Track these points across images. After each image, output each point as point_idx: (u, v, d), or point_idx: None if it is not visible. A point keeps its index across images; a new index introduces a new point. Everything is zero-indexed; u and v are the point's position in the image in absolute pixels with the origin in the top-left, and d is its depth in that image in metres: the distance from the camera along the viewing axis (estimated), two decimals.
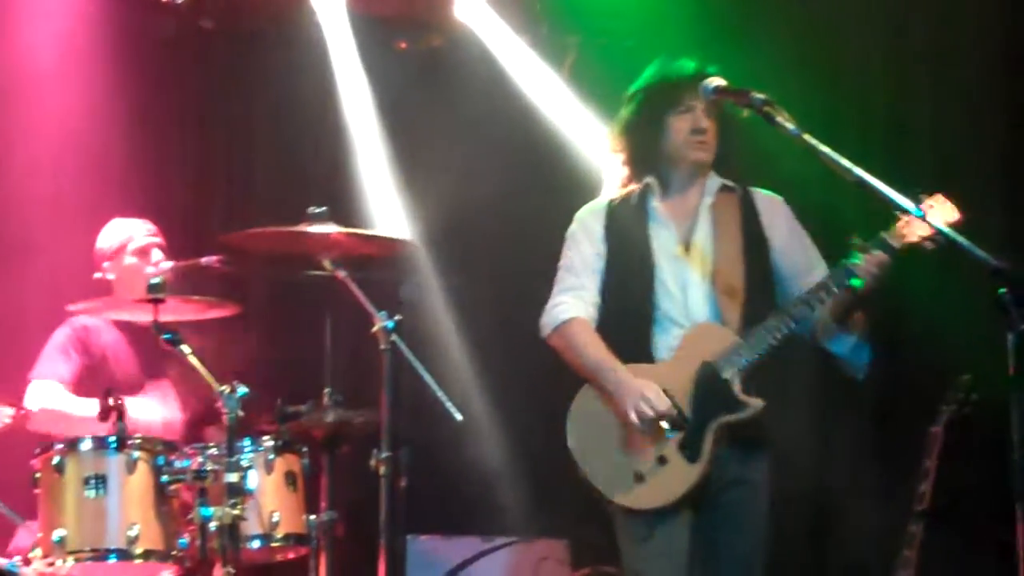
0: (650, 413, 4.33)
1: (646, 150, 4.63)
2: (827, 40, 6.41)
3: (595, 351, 4.49)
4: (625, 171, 4.69)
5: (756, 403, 4.40)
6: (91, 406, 4.91)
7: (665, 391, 4.38)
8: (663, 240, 4.60)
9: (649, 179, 4.64)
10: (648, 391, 4.36)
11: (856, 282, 4.29)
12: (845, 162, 3.60)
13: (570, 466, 4.46)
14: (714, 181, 4.64)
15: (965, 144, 6.08)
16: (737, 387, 4.39)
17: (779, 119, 3.80)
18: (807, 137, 3.70)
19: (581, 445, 4.46)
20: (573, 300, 4.60)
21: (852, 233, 4.32)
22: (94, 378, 5.54)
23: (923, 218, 3.78)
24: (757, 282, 4.55)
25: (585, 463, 4.44)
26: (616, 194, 4.70)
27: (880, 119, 6.28)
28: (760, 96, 3.88)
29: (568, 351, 4.57)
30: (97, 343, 5.66)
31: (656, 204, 4.63)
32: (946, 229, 3.59)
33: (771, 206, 4.69)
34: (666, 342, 4.49)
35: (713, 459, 4.37)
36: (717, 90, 4.22)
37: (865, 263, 4.28)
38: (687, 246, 4.59)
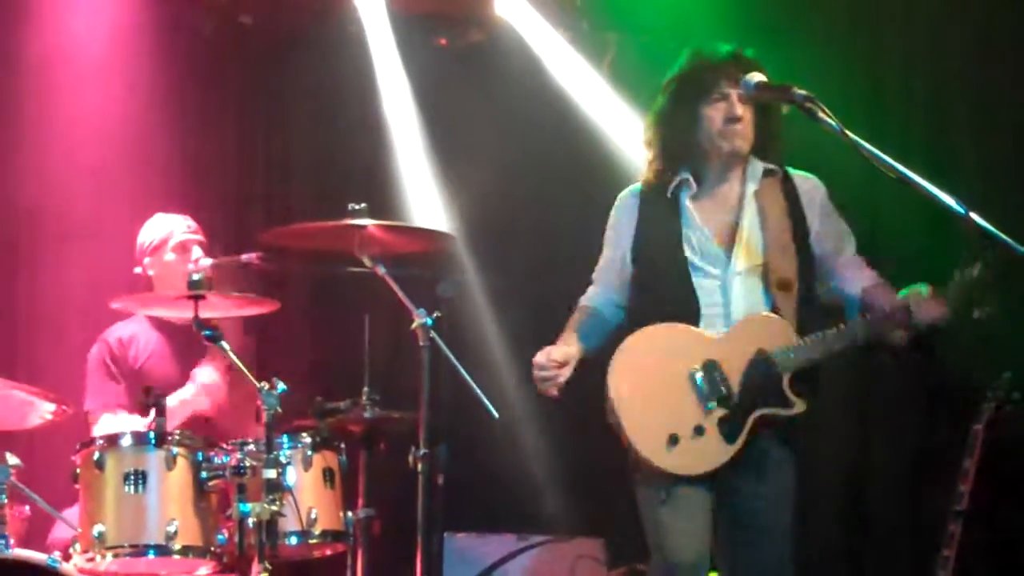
0: (540, 360, 4.48)
1: (680, 142, 4.55)
2: (869, 36, 6.37)
3: (565, 332, 4.62)
4: (659, 164, 4.61)
5: (801, 404, 4.38)
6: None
7: (717, 364, 4.36)
8: (697, 241, 4.52)
9: (684, 175, 4.56)
10: (552, 349, 4.53)
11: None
12: (887, 158, 3.56)
13: (604, 413, 4.42)
14: (756, 166, 4.56)
15: (1008, 143, 6.02)
16: (787, 383, 4.36)
17: (821, 115, 3.76)
18: (849, 133, 3.66)
19: (620, 393, 4.40)
20: (594, 291, 4.72)
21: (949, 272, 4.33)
22: (132, 383, 5.57)
23: (967, 216, 3.70)
24: (808, 271, 4.51)
25: (621, 412, 4.39)
26: (650, 186, 4.62)
27: (922, 116, 6.22)
28: (802, 92, 3.85)
29: None
30: (134, 355, 5.68)
31: (689, 204, 4.55)
32: (991, 228, 3.54)
33: (809, 188, 4.61)
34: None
35: (746, 446, 4.35)
36: (758, 86, 4.19)
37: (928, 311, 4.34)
38: (731, 240, 4.51)
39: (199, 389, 5.55)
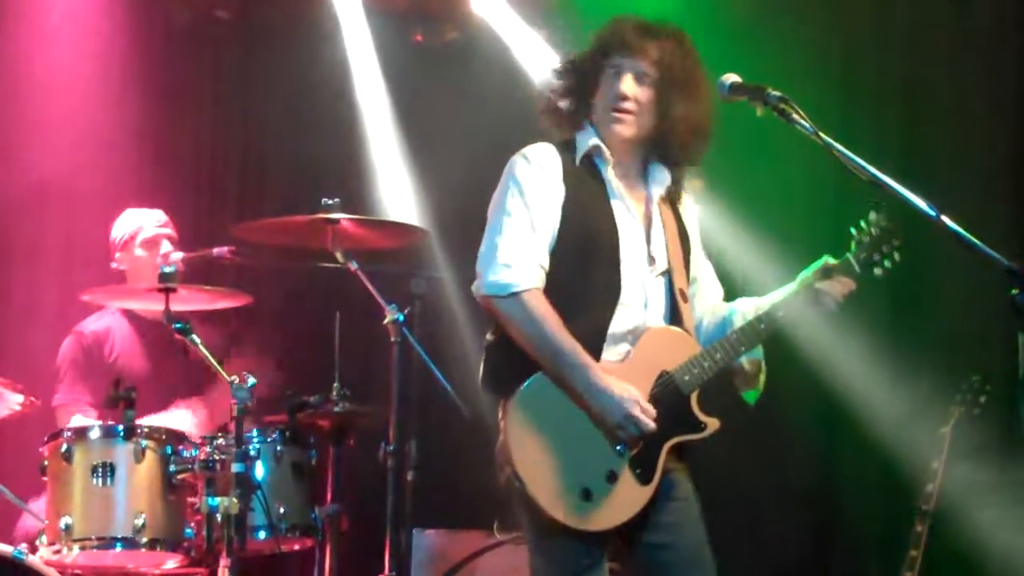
0: (651, 425, 3.83)
1: (575, 106, 4.07)
2: (844, 40, 6.40)
3: (567, 339, 3.83)
4: (567, 122, 4.11)
5: (714, 423, 3.97)
6: None
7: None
8: (626, 222, 4.02)
9: (595, 140, 4.02)
10: (640, 398, 3.85)
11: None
12: (860, 161, 3.58)
13: (498, 470, 3.94)
14: (660, 171, 4.10)
15: (980, 144, 6.06)
16: (695, 404, 3.97)
17: (795, 117, 3.76)
18: (823, 136, 3.67)
19: (522, 449, 3.84)
20: (528, 265, 3.89)
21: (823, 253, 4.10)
22: (103, 377, 5.55)
23: (938, 218, 3.70)
24: (693, 287, 4.15)
25: (525, 471, 3.83)
26: (561, 149, 4.05)
27: (895, 119, 6.25)
28: (776, 93, 3.83)
29: (526, 326, 3.85)
30: (108, 348, 5.67)
31: (611, 175, 4.03)
32: (961, 231, 3.55)
33: (691, 209, 4.23)
34: (618, 339, 3.94)
35: (668, 470, 3.92)
36: (732, 87, 3.90)
37: (834, 292, 4.02)
38: (648, 236, 4.05)
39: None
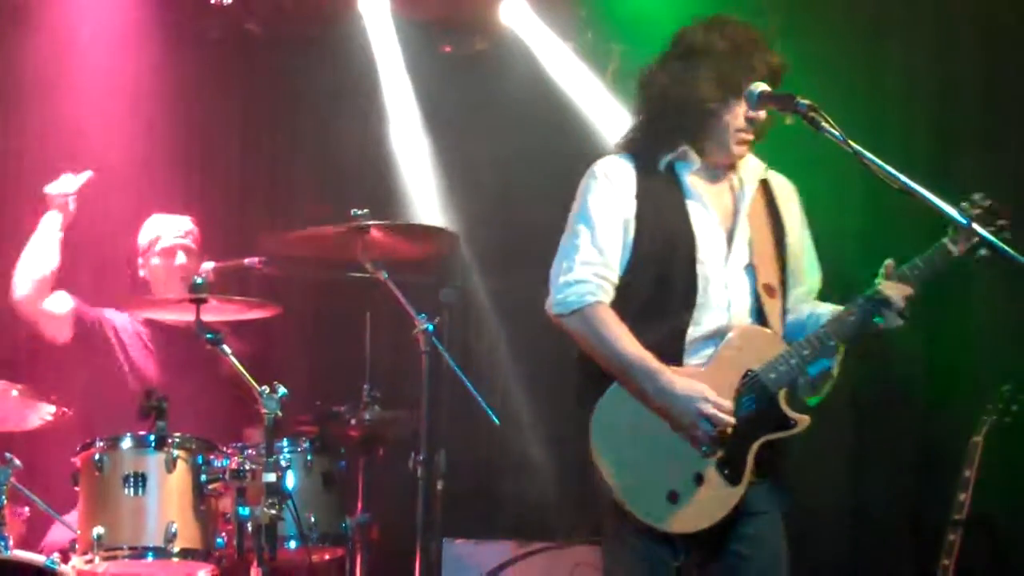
0: (725, 419, 3.82)
1: (690, 116, 4.01)
2: (871, 45, 6.38)
3: (631, 347, 3.87)
4: (653, 131, 4.09)
5: (804, 419, 3.96)
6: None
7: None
8: (704, 222, 4.03)
9: (683, 146, 4.04)
10: (709, 393, 3.84)
11: (879, 320, 3.93)
12: (890, 169, 3.57)
13: (591, 478, 3.93)
14: (753, 162, 4.13)
15: (1011, 152, 6.03)
16: (783, 401, 3.96)
17: (824, 125, 3.75)
18: (852, 144, 3.66)
19: (609, 456, 3.88)
20: (597, 281, 3.95)
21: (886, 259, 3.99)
22: (119, 368, 5.59)
23: (969, 226, 3.68)
24: (787, 281, 4.11)
25: (613, 477, 3.87)
26: (641, 155, 4.06)
27: (924, 126, 6.23)
28: (805, 101, 3.83)
29: (591, 339, 3.93)
30: (126, 336, 5.67)
31: (691, 178, 4.05)
32: (992, 238, 3.54)
33: (788, 195, 4.21)
34: (701, 343, 3.95)
35: (751, 482, 3.91)
36: (762, 96, 3.94)
37: (894, 300, 3.89)
38: (731, 233, 4.06)
39: None
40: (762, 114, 4.01)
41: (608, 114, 6.84)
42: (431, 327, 4.90)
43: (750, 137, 4.05)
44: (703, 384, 3.86)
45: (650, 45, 6.59)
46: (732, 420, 3.86)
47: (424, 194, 6.92)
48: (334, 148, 6.92)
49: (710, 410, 3.83)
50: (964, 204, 3.88)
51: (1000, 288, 5.65)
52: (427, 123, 6.98)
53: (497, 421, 5.09)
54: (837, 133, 3.70)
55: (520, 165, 6.82)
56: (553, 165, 6.83)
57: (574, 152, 6.80)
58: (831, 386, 4.05)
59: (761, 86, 3.98)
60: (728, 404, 3.87)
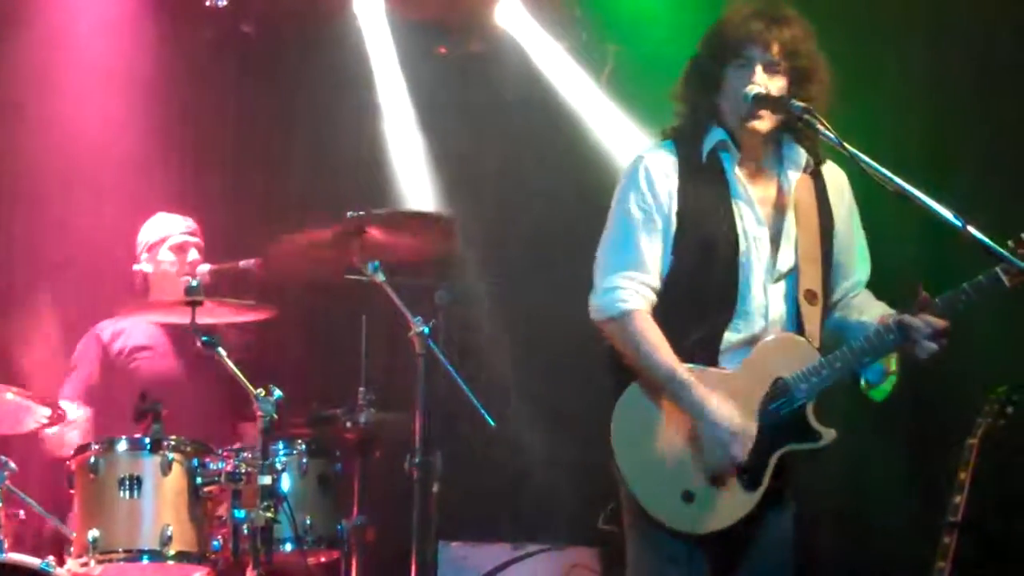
0: (738, 459, 3.83)
1: (701, 106, 3.99)
2: (866, 48, 6.37)
3: (667, 357, 3.85)
4: (690, 119, 4.04)
5: (830, 433, 3.93)
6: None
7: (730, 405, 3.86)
8: (748, 222, 3.96)
9: (720, 136, 3.97)
10: (736, 423, 3.82)
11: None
12: (885, 171, 3.56)
13: (608, 472, 3.98)
14: (797, 152, 4.03)
15: (1006, 159, 6.02)
16: (811, 414, 3.93)
17: (819, 127, 3.75)
18: (848, 146, 3.66)
19: (627, 451, 3.90)
20: (635, 287, 3.92)
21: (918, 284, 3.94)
22: (120, 375, 5.57)
23: (964, 228, 3.64)
24: (831, 285, 4.05)
25: (629, 471, 3.90)
26: (684, 142, 4.00)
27: (918, 130, 6.22)
28: (799, 103, 3.83)
29: (628, 345, 3.91)
30: (123, 343, 5.65)
31: (737, 172, 3.98)
32: (987, 240, 3.52)
33: (839, 186, 4.09)
34: (737, 349, 3.93)
35: (769, 490, 3.89)
36: (756, 98, 3.90)
37: (920, 335, 3.85)
38: (776, 235, 3.98)
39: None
40: (762, 79, 3.90)
41: (604, 114, 6.85)
42: (427, 329, 4.89)
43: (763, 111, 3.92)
44: (732, 410, 3.84)
45: (645, 45, 6.67)
46: (743, 459, 3.84)
47: (419, 194, 6.91)
48: (330, 150, 6.92)
49: (734, 450, 3.82)
50: (1010, 243, 3.74)
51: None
52: (422, 124, 6.97)
53: (493, 423, 5.09)
54: (832, 135, 3.70)
55: (516, 166, 6.82)
56: (548, 165, 6.85)
57: (569, 152, 6.84)
58: (891, 383, 4.04)
59: (756, 88, 3.93)
60: (752, 431, 3.85)
